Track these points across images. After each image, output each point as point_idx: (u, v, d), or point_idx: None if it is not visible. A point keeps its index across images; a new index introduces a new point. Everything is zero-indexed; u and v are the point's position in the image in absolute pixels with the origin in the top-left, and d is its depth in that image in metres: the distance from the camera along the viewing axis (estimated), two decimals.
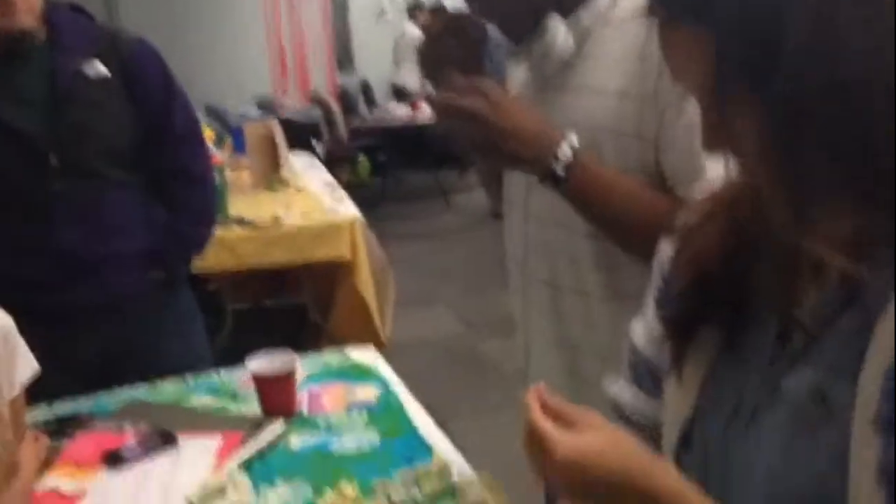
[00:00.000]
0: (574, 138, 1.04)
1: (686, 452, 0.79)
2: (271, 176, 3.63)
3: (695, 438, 0.78)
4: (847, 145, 0.61)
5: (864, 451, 0.62)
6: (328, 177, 3.98)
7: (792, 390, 0.70)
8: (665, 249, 0.86)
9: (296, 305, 3.55)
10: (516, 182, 1.14)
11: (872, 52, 0.59)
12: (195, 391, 1.67)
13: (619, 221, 1.06)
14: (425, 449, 1.40)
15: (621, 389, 0.93)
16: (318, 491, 1.29)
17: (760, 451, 0.72)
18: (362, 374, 1.72)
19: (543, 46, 1.12)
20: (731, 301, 0.77)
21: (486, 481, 1.27)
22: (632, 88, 1.05)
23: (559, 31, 1.11)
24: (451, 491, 1.26)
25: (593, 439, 0.69)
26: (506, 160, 1.12)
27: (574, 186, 1.05)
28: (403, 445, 1.42)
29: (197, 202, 1.87)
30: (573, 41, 1.11)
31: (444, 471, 1.31)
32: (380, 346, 2.90)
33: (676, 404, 0.80)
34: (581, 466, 0.68)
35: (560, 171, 1.04)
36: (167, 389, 1.68)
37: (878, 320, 0.63)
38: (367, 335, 3.04)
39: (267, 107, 6.91)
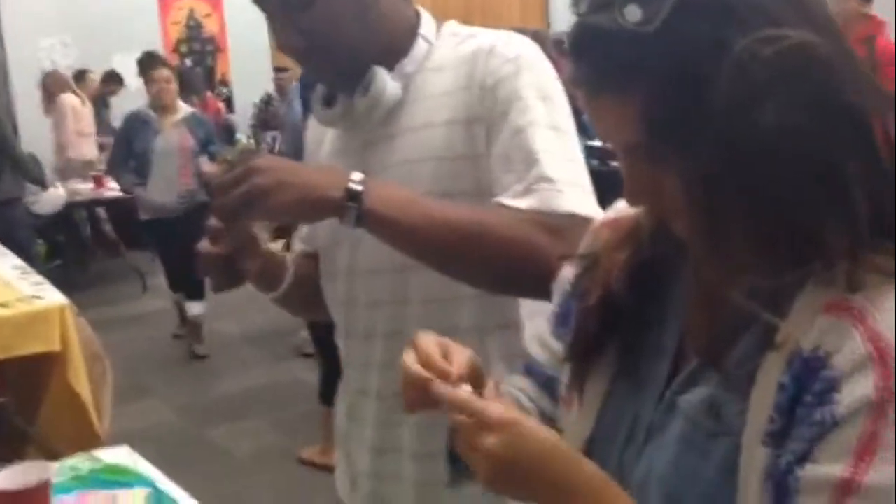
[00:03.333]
0: (358, 174, 1.02)
1: None
2: None
3: (593, 461, 0.78)
4: (762, 208, 0.66)
5: (753, 463, 0.68)
6: (16, 260, 3.54)
7: (687, 406, 0.74)
8: (566, 271, 0.89)
9: None
10: (335, 244, 1.12)
11: (787, 126, 0.64)
12: None
13: (435, 235, 1.02)
14: None
15: (523, 383, 0.94)
16: None
17: (653, 468, 0.75)
18: (122, 475, 1.53)
19: (370, 98, 1.14)
20: (631, 325, 0.80)
21: None
22: (458, 115, 1.11)
23: (386, 81, 1.14)
24: None
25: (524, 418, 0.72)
26: (304, 208, 1.02)
27: (374, 209, 1.00)
28: None
29: None
30: (399, 88, 1.15)
31: None
32: (96, 444, 2.60)
33: (575, 426, 0.82)
34: (520, 429, 0.70)
35: (356, 187, 0.99)
36: None
37: (770, 343, 0.68)
38: (83, 434, 2.72)
39: None
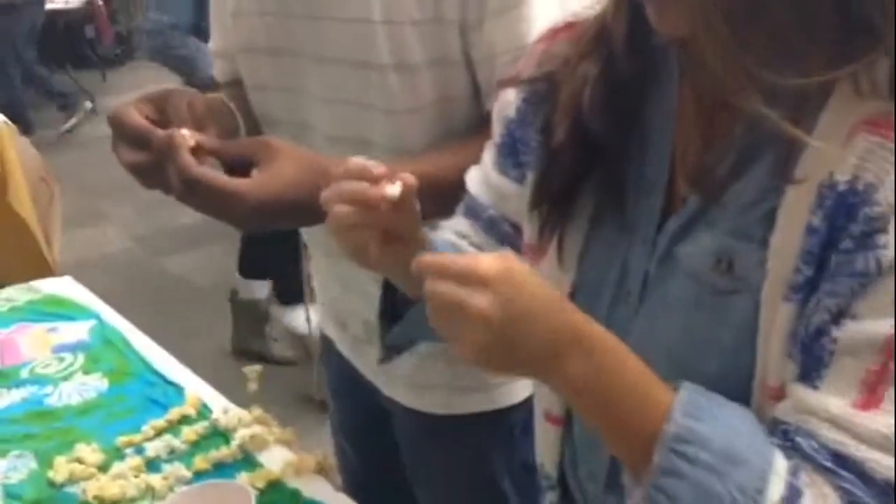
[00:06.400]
0: None
1: None
2: None
3: None
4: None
5: (775, 322, 0.57)
6: None
7: (691, 259, 0.62)
8: (508, 95, 0.76)
9: None
10: None
11: None
12: None
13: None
14: (172, 388, 1.17)
15: (463, 225, 0.83)
16: (45, 461, 1.01)
17: (656, 334, 0.64)
18: (63, 307, 1.41)
19: None
20: (611, 158, 0.67)
21: (257, 416, 1.09)
22: None
23: None
24: (218, 433, 1.07)
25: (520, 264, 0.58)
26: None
27: None
28: (142, 388, 1.18)
29: None
30: None
31: (203, 411, 1.11)
32: (46, 272, 2.48)
33: (550, 280, 0.70)
34: (517, 281, 0.56)
35: None
36: None
37: (789, 173, 0.56)
38: (30, 261, 2.59)
39: None
